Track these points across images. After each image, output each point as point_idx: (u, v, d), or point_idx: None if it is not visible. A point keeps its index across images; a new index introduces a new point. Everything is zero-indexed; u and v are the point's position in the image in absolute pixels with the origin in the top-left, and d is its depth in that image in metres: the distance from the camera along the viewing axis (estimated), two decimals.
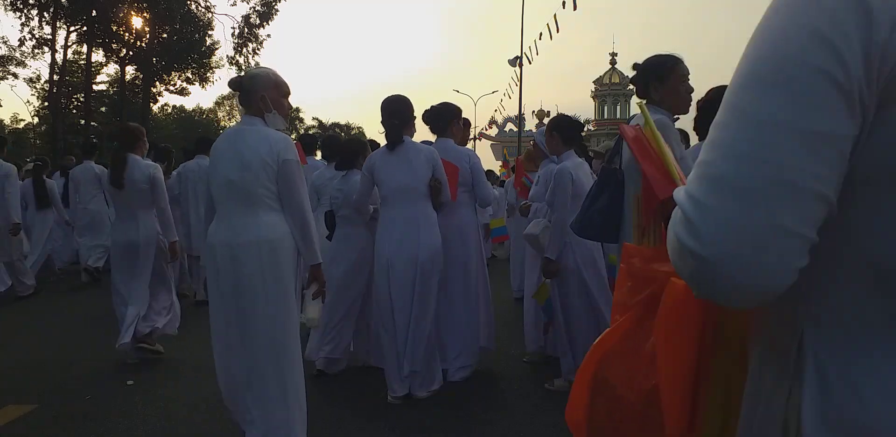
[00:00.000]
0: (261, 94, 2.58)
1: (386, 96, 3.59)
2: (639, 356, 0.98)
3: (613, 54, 41.32)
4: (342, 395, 3.50)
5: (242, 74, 2.75)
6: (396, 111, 3.49)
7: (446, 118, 3.77)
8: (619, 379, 1.02)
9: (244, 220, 2.49)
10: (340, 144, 4.42)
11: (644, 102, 2.54)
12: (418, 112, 3.75)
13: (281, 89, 2.65)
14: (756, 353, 0.72)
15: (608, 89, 41.01)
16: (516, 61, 23.36)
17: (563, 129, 3.61)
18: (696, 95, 2.63)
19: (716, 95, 3.01)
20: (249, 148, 2.48)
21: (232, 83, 2.65)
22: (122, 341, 4.09)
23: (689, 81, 2.55)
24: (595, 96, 42.35)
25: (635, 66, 2.57)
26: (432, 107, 3.82)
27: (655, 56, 2.54)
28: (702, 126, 2.91)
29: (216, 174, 2.56)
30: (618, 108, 41.16)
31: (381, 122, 3.52)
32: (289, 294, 2.52)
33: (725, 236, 0.57)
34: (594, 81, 42.36)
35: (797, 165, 0.56)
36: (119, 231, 4.22)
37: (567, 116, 3.92)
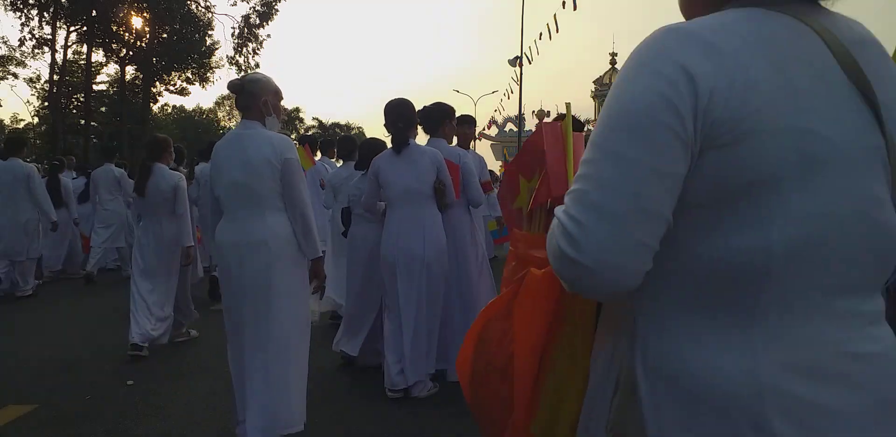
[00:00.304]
0: (263, 98, 2.68)
1: (389, 100, 3.63)
2: (509, 323, 1.20)
3: (613, 54, 41.29)
4: (342, 394, 3.51)
5: (243, 75, 2.83)
6: (401, 115, 3.51)
7: (438, 118, 3.78)
8: (493, 339, 1.25)
9: (251, 219, 2.59)
10: (360, 144, 4.55)
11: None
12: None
13: (279, 95, 2.78)
14: (603, 327, 0.99)
15: (608, 89, 40.93)
16: (516, 61, 23.37)
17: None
18: None
19: None
20: (253, 150, 2.58)
21: (233, 86, 2.72)
22: (158, 340, 4.40)
23: None
24: (595, 96, 42.30)
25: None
26: (425, 107, 3.82)
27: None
28: None
29: (221, 177, 2.64)
30: None
31: (385, 125, 3.55)
32: (296, 290, 2.63)
33: (599, 249, 0.76)
34: (594, 81, 42.27)
35: (651, 195, 0.76)
36: (143, 236, 4.52)
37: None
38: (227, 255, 2.61)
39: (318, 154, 7.45)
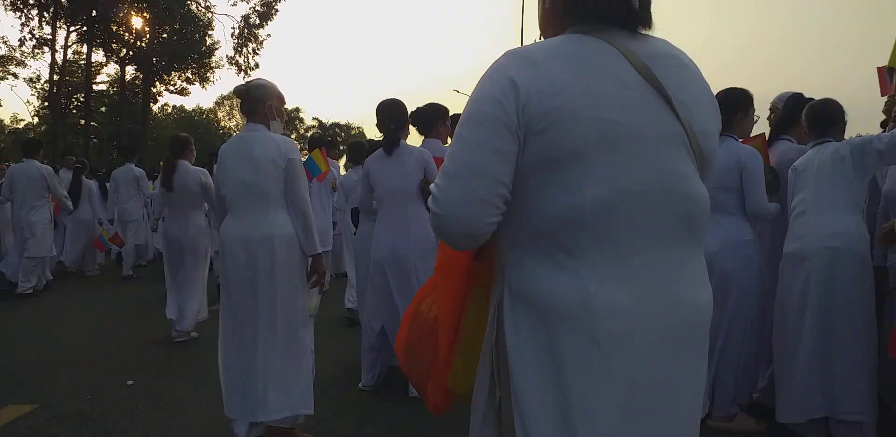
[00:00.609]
0: (267, 103, 2.83)
1: (381, 100, 3.63)
2: (437, 296, 1.47)
3: None
4: (353, 392, 3.51)
5: (248, 81, 2.92)
6: (392, 116, 3.53)
7: (432, 119, 3.77)
8: (424, 311, 1.47)
9: (257, 217, 2.73)
10: (369, 148, 4.62)
11: None
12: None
13: (282, 100, 2.92)
14: (492, 284, 1.27)
15: None
16: None
17: None
18: None
19: (731, 97, 3.01)
20: (259, 151, 2.72)
21: (238, 92, 2.85)
22: (182, 326, 4.72)
23: None
24: None
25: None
26: (418, 108, 3.81)
27: None
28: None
29: (229, 176, 2.78)
30: None
31: (377, 125, 3.57)
32: (298, 284, 2.77)
33: (452, 203, 1.06)
34: None
35: (487, 164, 1.05)
36: (171, 228, 4.83)
37: None
38: (235, 251, 2.73)
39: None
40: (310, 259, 2.82)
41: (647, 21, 1.14)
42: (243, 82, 2.90)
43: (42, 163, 7.02)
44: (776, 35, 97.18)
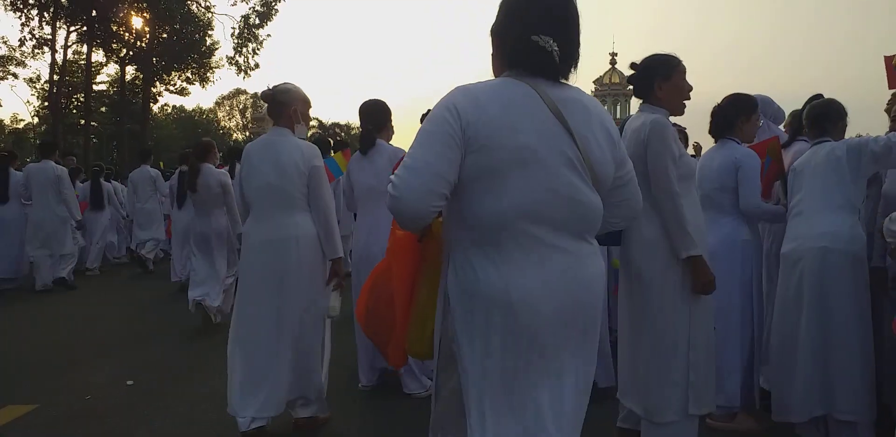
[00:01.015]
0: (293, 107, 2.92)
1: (364, 101, 3.63)
2: (391, 272, 1.80)
3: (613, 54, 41.32)
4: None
5: (274, 86, 2.97)
6: (369, 116, 3.55)
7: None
8: (381, 284, 1.84)
9: (282, 219, 2.84)
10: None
11: (641, 101, 2.53)
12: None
13: (308, 103, 3.02)
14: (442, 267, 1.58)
15: (608, 89, 40.95)
16: None
17: None
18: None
19: (733, 102, 3.10)
20: (285, 155, 2.82)
21: (265, 96, 2.95)
22: (213, 302, 5.08)
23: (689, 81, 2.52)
24: (595, 96, 42.30)
25: (634, 66, 2.51)
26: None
27: (657, 54, 2.50)
28: (717, 130, 3.11)
29: (254, 179, 2.88)
30: (618, 107, 41.12)
31: (360, 126, 3.61)
32: (319, 283, 2.90)
33: (406, 188, 1.34)
34: (594, 81, 42.34)
35: (438, 165, 1.35)
36: (197, 225, 5.25)
37: None
38: (258, 251, 2.83)
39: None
40: (330, 262, 2.90)
41: (565, 73, 1.49)
42: (269, 87, 2.96)
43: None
44: (798, 34, 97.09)
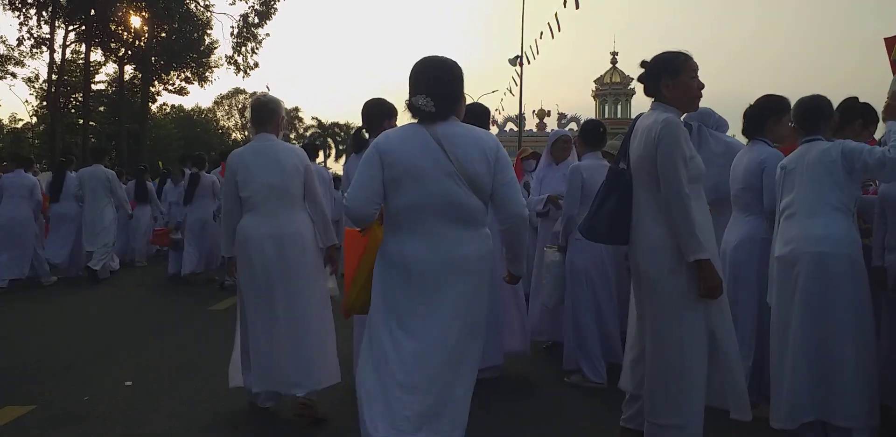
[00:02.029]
0: (281, 115, 3.29)
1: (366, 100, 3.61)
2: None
3: (614, 54, 41.27)
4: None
5: (262, 94, 3.35)
6: (367, 116, 3.52)
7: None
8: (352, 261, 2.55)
9: (285, 216, 3.12)
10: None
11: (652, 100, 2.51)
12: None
13: (288, 114, 3.73)
14: None
15: (609, 89, 40.94)
16: (516, 61, 23.34)
17: (585, 132, 3.97)
18: (703, 96, 2.55)
19: (763, 102, 3.14)
20: (285, 158, 3.14)
21: (258, 104, 3.26)
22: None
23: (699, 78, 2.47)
24: (595, 96, 42.31)
25: (644, 64, 2.48)
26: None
27: (665, 52, 2.45)
28: (748, 131, 3.16)
29: (255, 180, 3.10)
30: (618, 107, 41.08)
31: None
32: (320, 270, 3.24)
33: (350, 199, 2.17)
34: (595, 81, 42.30)
35: (368, 181, 2.17)
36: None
37: (594, 120, 4.28)
38: (261, 245, 3.07)
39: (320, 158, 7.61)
40: (325, 250, 3.27)
41: (443, 116, 2.17)
42: (257, 96, 3.31)
43: (67, 165, 8.25)
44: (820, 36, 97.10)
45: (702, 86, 2.45)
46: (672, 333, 2.31)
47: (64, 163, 8.37)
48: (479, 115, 3.77)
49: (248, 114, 3.33)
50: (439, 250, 2.13)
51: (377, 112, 3.51)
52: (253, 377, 3.10)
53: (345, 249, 2.62)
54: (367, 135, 3.48)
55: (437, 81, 2.18)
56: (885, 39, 3.56)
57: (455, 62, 2.24)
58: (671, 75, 2.40)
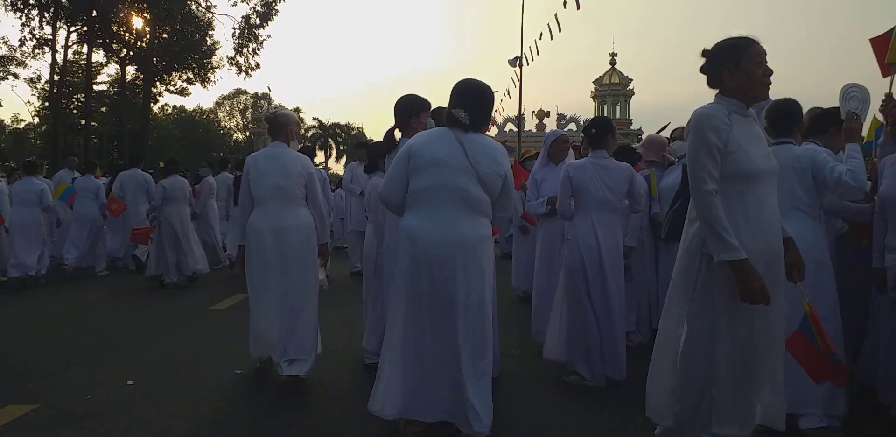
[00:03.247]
0: (290, 127, 3.90)
1: (400, 95, 3.65)
2: None
3: (613, 54, 41.28)
4: (348, 392, 3.52)
5: (275, 110, 4.13)
6: (396, 114, 3.56)
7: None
8: None
9: (287, 212, 3.72)
10: (369, 146, 4.84)
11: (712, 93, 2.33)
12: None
13: (299, 125, 4.05)
14: None
15: (608, 89, 40.93)
16: (516, 61, 23.32)
17: (588, 131, 3.90)
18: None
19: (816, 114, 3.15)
20: (290, 164, 3.74)
21: (267, 118, 4.00)
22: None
23: (766, 64, 2.24)
24: (595, 96, 42.32)
25: (705, 53, 2.29)
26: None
27: (727, 38, 2.25)
28: (813, 132, 3.09)
29: (265, 180, 3.71)
30: (617, 108, 41.07)
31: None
32: (314, 260, 3.85)
33: (386, 190, 2.81)
34: (594, 81, 42.30)
35: (398, 176, 2.75)
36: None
37: (602, 118, 4.19)
38: (266, 237, 3.66)
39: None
40: (320, 245, 3.88)
41: (476, 128, 2.74)
42: (273, 111, 4.03)
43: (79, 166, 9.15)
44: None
45: (770, 72, 2.24)
46: (704, 339, 2.15)
47: (122, 166, 9.58)
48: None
49: (261, 123, 3.86)
50: (441, 228, 2.62)
51: (406, 109, 3.56)
52: (250, 345, 3.81)
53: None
54: (398, 135, 3.56)
55: (474, 101, 2.75)
56: (871, 40, 3.52)
57: (489, 87, 2.83)
58: (733, 63, 2.20)
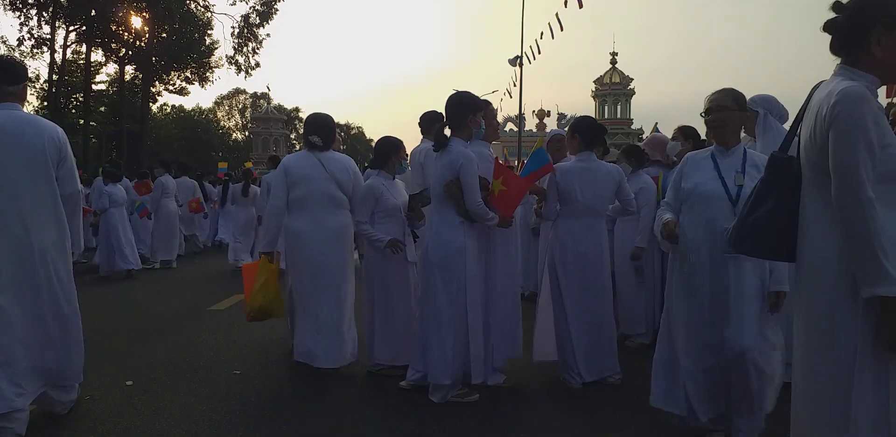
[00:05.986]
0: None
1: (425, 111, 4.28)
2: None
3: (614, 54, 41.21)
4: (355, 395, 3.51)
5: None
6: (446, 113, 3.54)
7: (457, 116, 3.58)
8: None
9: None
10: (378, 144, 4.60)
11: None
12: (416, 113, 4.30)
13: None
14: None
15: (608, 89, 40.87)
16: (516, 61, 23.31)
17: (584, 132, 3.74)
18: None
19: None
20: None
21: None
22: None
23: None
24: (595, 96, 42.29)
25: (838, 6, 1.69)
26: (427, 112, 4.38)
27: None
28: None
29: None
30: (618, 108, 41.02)
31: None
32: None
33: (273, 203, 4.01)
34: (594, 81, 42.24)
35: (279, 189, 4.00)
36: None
37: (591, 118, 4.08)
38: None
39: None
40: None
41: (327, 148, 3.95)
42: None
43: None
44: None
45: None
46: (839, 390, 1.61)
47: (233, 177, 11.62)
48: (434, 119, 3.98)
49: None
50: (324, 223, 3.81)
51: (464, 106, 3.48)
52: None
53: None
54: (448, 132, 3.50)
55: (325, 128, 4.00)
56: None
57: (331, 117, 4.13)
58: (890, 26, 1.62)
